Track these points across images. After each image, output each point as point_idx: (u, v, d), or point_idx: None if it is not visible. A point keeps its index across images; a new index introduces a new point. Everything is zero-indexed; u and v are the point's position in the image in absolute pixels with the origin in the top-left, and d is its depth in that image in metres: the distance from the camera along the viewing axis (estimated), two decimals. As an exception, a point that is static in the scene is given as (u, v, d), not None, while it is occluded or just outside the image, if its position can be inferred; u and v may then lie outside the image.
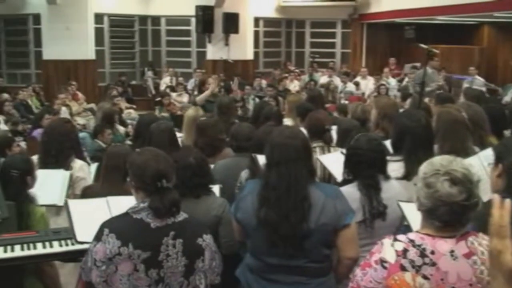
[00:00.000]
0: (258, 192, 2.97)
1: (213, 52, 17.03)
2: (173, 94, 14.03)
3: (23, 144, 8.28)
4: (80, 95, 13.93)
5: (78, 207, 3.09)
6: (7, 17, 17.24)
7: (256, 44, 18.12)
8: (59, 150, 4.18)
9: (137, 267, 2.55)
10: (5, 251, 2.90)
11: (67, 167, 4.13)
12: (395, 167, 3.70)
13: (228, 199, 3.69)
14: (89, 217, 3.01)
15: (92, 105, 13.31)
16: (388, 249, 2.20)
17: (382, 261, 2.18)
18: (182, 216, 2.70)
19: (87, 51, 16.12)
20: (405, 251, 2.17)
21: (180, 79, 16.10)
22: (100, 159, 5.53)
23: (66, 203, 3.06)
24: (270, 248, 2.93)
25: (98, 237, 2.59)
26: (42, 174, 3.69)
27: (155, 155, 2.72)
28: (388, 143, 3.86)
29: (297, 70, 17.17)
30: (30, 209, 3.33)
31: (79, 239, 2.96)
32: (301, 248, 2.91)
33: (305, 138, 3.10)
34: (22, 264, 3.13)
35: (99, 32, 16.56)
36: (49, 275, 3.33)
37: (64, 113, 11.21)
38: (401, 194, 3.41)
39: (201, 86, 8.15)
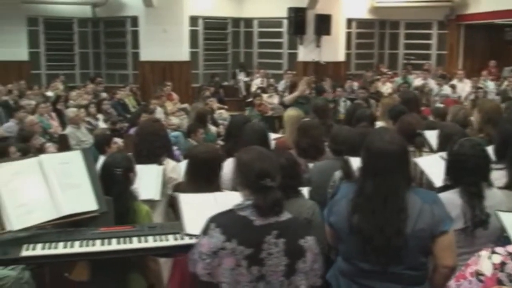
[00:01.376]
0: (352, 197, 2.90)
1: (305, 53, 17.01)
2: (264, 96, 14.11)
3: (120, 141, 8.56)
4: (174, 95, 14.32)
5: (188, 201, 3.16)
6: (107, 19, 17.99)
7: (348, 46, 17.93)
8: (150, 149, 4.28)
9: (239, 263, 2.58)
10: (102, 244, 2.99)
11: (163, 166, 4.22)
12: (497, 176, 3.52)
13: (321, 201, 3.65)
14: (198, 211, 3.09)
15: (186, 105, 13.64)
16: (484, 261, 2.11)
17: (477, 274, 2.09)
18: (285, 216, 2.70)
19: (181, 52, 16.56)
20: (502, 264, 2.06)
21: (271, 80, 16.17)
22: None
23: (177, 197, 3.13)
24: (363, 255, 2.87)
25: (204, 231, 2.67)
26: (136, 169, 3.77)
27: (261, 154, 2.75)
28: (490, 150, 3.68)
29: (389, 72, 16.82)
30: (135, 206, 3.41)
31: (188, 231, 3.03)
32: (397, 256, 2.82)
33: (405, 143, 2.98)
34: (124, 260, 3.21)
35: (193, 34, 16.96)
36: (153, 271, 3.40)
37: (159, 113, 11.53)
38: (503, 203, 3.25)
39: (292, 88, 8.12)
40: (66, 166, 3.17)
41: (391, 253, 2.81)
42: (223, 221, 2.65)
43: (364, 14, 18.08)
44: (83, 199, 3.13)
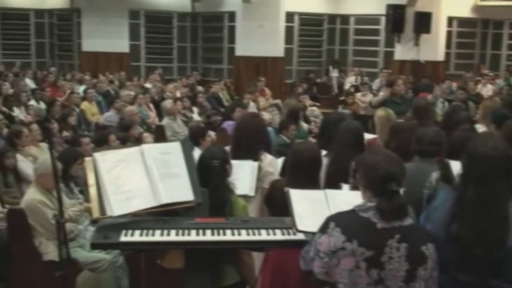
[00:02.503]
0: (451, 204, 2.80)
1: (402, 52, 16.61)
2: (357, 94, 13.91)
3: (213, 135, 8.71)
4: (267, 90, 14.41)
5: (298, 197, 3.17)
6: (205, 14, 18.38)
7: (448, 45, 17.34)
8: (249, 144, 4.30)
9: (358, 264, 2.56)
10: (197, 234, 3.05)
11: (256, 161, 4.25)
12: None
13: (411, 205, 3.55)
14: (308, 207, 3.09)
15: (278, 101, 13.68)
16: None
17: None
18: (409, 221, 2.65)
19: (276, 48, 16.63)
20: None
21: (365, 78, 15.93)
22: (284, 153, 5.64)
23: (287, 192, 3.15)
24: (461, 265, 2.76)
25: (323, 229, 2.65)
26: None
27: (388, 156, 2.71)
28: None
29: (491, 74, 16.12)
30: (232, 198, 3.46)
31: (299, 228, 3.02)
32: (496, 268, 2.69)
33: (509, 150, 2.83)
34: (219, 252, 3.26)
35: (289, 30, 16.99)
36: (247, 264, 3.43)
37: (252, 107, 11.64)
38: None
39: (389, 87, 7.93)
40: (166, 157, 3.25)
41: (491, 265, 2.69)
42: (344, 221, 2.63)
43: (466, 13, 17.42)
44: (180, 189, 3.20)
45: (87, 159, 3.20)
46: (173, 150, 3.30)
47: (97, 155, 3.15)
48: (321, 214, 2.83)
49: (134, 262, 4.84)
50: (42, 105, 11.16)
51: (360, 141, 4.65)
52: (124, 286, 5.07)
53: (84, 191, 5.74)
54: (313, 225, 2.83)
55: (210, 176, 3.36)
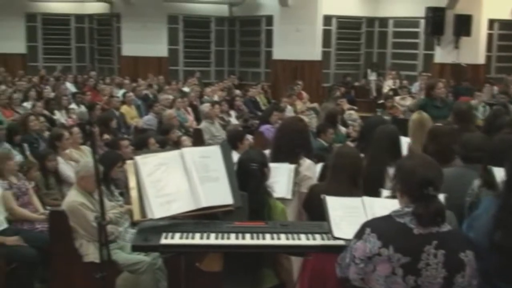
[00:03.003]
0: (494, 212, 2.74)
1: (442, 55, 16.37)
2: (396, 98, 13.76)
3: (250, 138, 8.73)
4: (304, 94, 14.38)
5: (334, 204, 3.15)
6: (243, 18, 18.46)
7: (488, 48, 17.00)
8: (290, 147, 4.29)
9: (395, 271, 2.52)
10: (237, 238, 3.05)
11: (295, 164, 4.24)
12: None
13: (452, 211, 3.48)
14: (345, 214, 3.08)
15: (315, 105, 13.64)
16: None
17: None
18: (447, 227, 2.60)
19: (314, 52, 16.59)
20: None
21: (404, 82, 15.75)
22: (322, 157, 5.61)
23: (324, 199, 3.13)
24: (503, 274, 2.69)
25: (359, 235, 2.64)
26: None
27: (425, 161, 2.67)
28: None
29: (534, 77, 15.74)
30: (271, 202, 3.46)
31: (336, 235, 3.01)
32: None
33: None
34: (258, 256, 3.26)
35: (326, 34, 16.92)
36: (285, 268, 3.43)
37: (289, 111, 11.63)
38: None
39: (429, 90, 7.81)
40: (206, 160, 3.27)
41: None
42: (379, 227, 2.60)
43: (507, 15, 17.03)
44: (220, 193, 3.21)
45: (128, 162, 3.23)
46: (213, 154, 3.31)
47: (139, 158, 3.19)
48: (358, 221, 2.79)
49: (173, 265, 4.88)
50: (83, 109, 11.36)
51: (395, 145, 4.59)
52: (162, 288, 5.11)
53: (124, 193, 5.81)
54: (349, 233, 2.80)
55: (248, 179, 3.36)
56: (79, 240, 5.00)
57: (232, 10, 18.42)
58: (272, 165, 3.72)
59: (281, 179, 3.98)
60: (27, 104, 11.41)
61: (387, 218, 2.62)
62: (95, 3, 18.96)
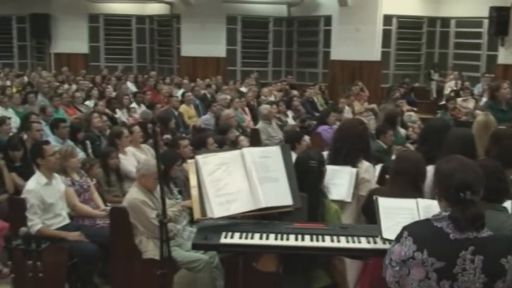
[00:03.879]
0: None
1: (506, 55, 15.83)
2: (458, 99, 13.41)
3: (307, 139, 8.69)
4: (364, 94, 14.21)
5: (387, 205, 3.11)
6: (301, 18, 18.40)
7: (557, 48, 16.37)
8: (349, 150, 4.24)
9: (428, 275, 2.49)
10: (296, 239, 3.04)
11: (355, 167, 4.19)
12: None
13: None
14: (396, 215, 3.04)
15: (374, 106, 13.45)
16: None
17: None
18: (486, 232, 2.53)
19: (373, 52, 16.37)
20: None
21: (466, 83, 15.34)
22: (381, 159, 5.52)
23: (376, 200, 3.10)
24: None
25: (397, 238, 2.62)
26: (330, 170, 3.78)
27: (463, 164, 2.60)
28: None
29: None
30: (325, 202, 3.44)
31: (385, 236, 2.98)
32: None
33: None
34: (313, 256, 3.24)
35: (386, 34, 16.67)
36: (338, 270, 3.40)
37: (347, 112, 11.52)
38: None
39: (493, 92, 7.55)
40: (266, 160, 3.27)
41: None
42: (417, 230, 2.57)
43: None
44: (279, 193, 3.21)
45: (189, 161, 3.27)
46: (273, 154, 3.31)
47: (200, 157, 3.22)
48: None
49: (230, 264, 4.89)
50: (143, 108, 11.57)
51: (470, 149, 4.44)
52: (219, 286, 5.13)
53: (183, 191, 5.88)
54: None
55: (306, 177, 3.35)
56: (138, 236, 5.08)
57: (291, 10, 18.39)
58: (333, 167, 3.69)
59: (342, 182, 3.95)
60: (89, 103, 11.72)
61: (426, 222, 2.59)
62: (156, 4, 19.29)
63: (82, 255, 5.21)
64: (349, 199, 3.97)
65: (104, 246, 5.27)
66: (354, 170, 4.11)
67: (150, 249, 5.01)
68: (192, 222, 5.52)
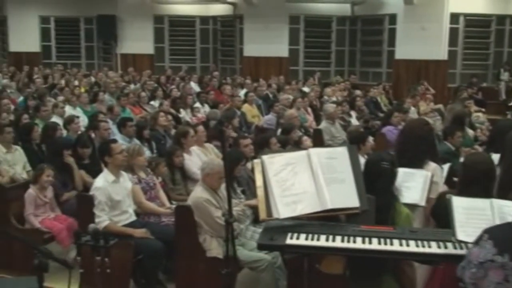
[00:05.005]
0: None
1: None
2: (530, 99, 12.95)
3: (371, 139, 8.55)
4: (429, 95, 13.89)
5: (461, 205, 3.03)
6: (365, 17, 18.16)
7: None
8: (414, 152, 4.13)
9: (508, 278, 2.42)
10: (363, 242, 2.98)
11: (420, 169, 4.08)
12: None
13: None
14: (471, 217, 3.00)
15: (440, 106, 13.13)
16: None
17: None
18: None
19: (439, 51, 15.99)
20: None
21: (538, 83, 14.78)
22: (448, 161, 5.36)
23: (450, 199, 3.02)
24: None
25: (477, 241, 2.56)
26: (401, 172, 3.69)
27: None
28: None
29: None
30: (397, 206, 3.36)
31: (459, 237, 2.92)
32: None
33: None
34: (381, 261, 3.17)
35: (453, 32, 16.24)
36: (408, 275, 3.32)
37: (412, 112, 11.28)
38: None
39: None
40: (332, 161, 3.23)
41: None
42: (498, 234, 2.50)
43: None
44: (346, 195, 3.16)
45: (255, 161, 3.26)
46: (339, 155, 3.27)
47: (265, 157, 3.21)
48: (484, 225, 2.66)
49: (292, 264, 4.86)
50: (207, 108, 11.69)
51: None
52: (282, 287, 5.11)
53: (246, 191, 5.89)
54: (474, 236, 2.66)
55: (378, 179, 3.28)
56: (203, 235, 5.12)
57: (354, 9, 18.17)
58: (406, 170, 3.61)
59: (415, 185, 3.85)
60: (154, 103, 11.94)
61: (507, 226, 2.53)
62: (220, 5, 19.47)
63: (148, 252, 5.29)
64: (423, 203, 3.86)
65: (168, 244, 5.34)
66: (428, 173, 3.99)
67: (214, 248, 5.05)
68: (255, 221, 5.53)
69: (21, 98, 11.95)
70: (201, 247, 5.11)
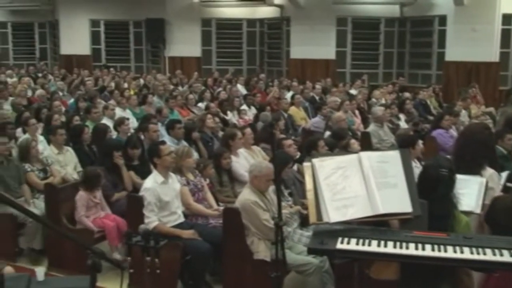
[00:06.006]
0: None
1: None
2: None
3: (421, 143, 8.39)
4: (479, 98, 13.58)
5: None
6: (414, 18, 17.86)
7: None
8: (473, 156, 4.04)
9: None
10: (416, 248, 2.92)
11: (478, 175, 3.97)
12: None
13: None
14: None
15: (491, 109, 12.80)
16: None
17: None
18: None
19: (491, 53, 15.57)
20: None
21: None
22: (502, 167, 5.21)
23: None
24: None
25: None
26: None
27: None
28: None
29: None
30: (455, 213, 3.28)
31: None
32: None
33: None
34: (436, 268, 3.10)
35: (505, 34, 15.81)
36: (466, 286, 3.24)
37: (463, 115, 11.03)
38: None
39: None
40: (384, 165, 3.17)
41: None
42: None
43: None
44: (398, 200, 3.10)
45: (305, 164, 3.23)
46: (391, 159, 3.21)
47: (316, 161, 3.18)
48: None
49: (341, 269, 4.81)
50: (253, 110, 11.70)
51: None
52: (329, 292, 5.06)
53: (293, 193, 5.86)
54: None
55: (437, 185, 3.20)
56: (250, 237, 5.12)
57: (403, 11, 17.89)
58: (460, 176, 3.51)
59: (470, 191, 3.76)
60: (202, 105, 12.02)
61: None
62: (267, 7, 19.47)
63: (196, 253, 5.32)
64: (478, 210, 3.77)
65: (216, 245, 5.36)
66: (483, 179, 3.89)
67: (262, 250, 5.04)
68: (301, 224, 5.50)
69: (72, 100, 12.21)
70: (248, 249, 5.11)
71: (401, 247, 2.92)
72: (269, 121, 9.24)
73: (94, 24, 21.55)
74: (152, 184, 5.42)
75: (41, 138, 7.97)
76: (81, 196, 6.01)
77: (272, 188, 5.27)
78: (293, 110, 11.48)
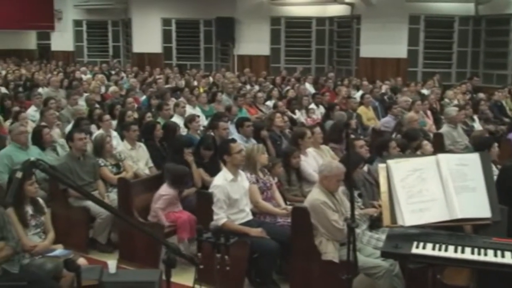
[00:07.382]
0: None
1: None
2: None
3: (496, 146, 8.09)
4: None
5: None
6: (490, 17, 17.30)
7: None
8: None
9: None
10: (495, 255, 2.81)
11: None
12: None
13: None
14: None
15: None
16: None
17: None
18: None
19: None
20: None
21: None
22: None
23: None
24: None
25: None
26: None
27: None
28: None
29: None
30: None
31: None
32: None
33: None
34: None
35: None
36: None
37: (542, 117, 10.59)
38: None
39: None
40: (463, 168, 3.07)
41: None
42: None
43: None
44: (476, 204, 2.99)
45: (380, 165, 3.16)
46: (471, 162, 3.10)
47: (391, 162, 3.11)
48: None
49: (411, 273, 4.69)
50: (322, 109, 11.60)
51: None
52: (399, 296, 4.94)
53: (363, 195, 5.77)
54: None
55: None
56: (318, 237, 5.07)
57: (478, 9, 17.35)
58: None
59: None
60: (270, 103, 12.02)
61: None
62: (337, 5, 19.31)
63: (263, 251, 5.32)
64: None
65: (283, 244, 5.33)
66: None
67: (330, 251, 4.98)
68: (371, 227, 5.40)
69: (144, 97, 12.47)
70: (316, 249, 5.06)
71: (479, 254, 2.82)
72: (344, 120, 9.13)
73: (166, 23, 21.97)
74: (222, 181, 5.45)
75: (114, 133, 8.18)
76: (169, 192, 6.09)
77: (341, 188, 5.20)
78: (362, 109, 11.30)
